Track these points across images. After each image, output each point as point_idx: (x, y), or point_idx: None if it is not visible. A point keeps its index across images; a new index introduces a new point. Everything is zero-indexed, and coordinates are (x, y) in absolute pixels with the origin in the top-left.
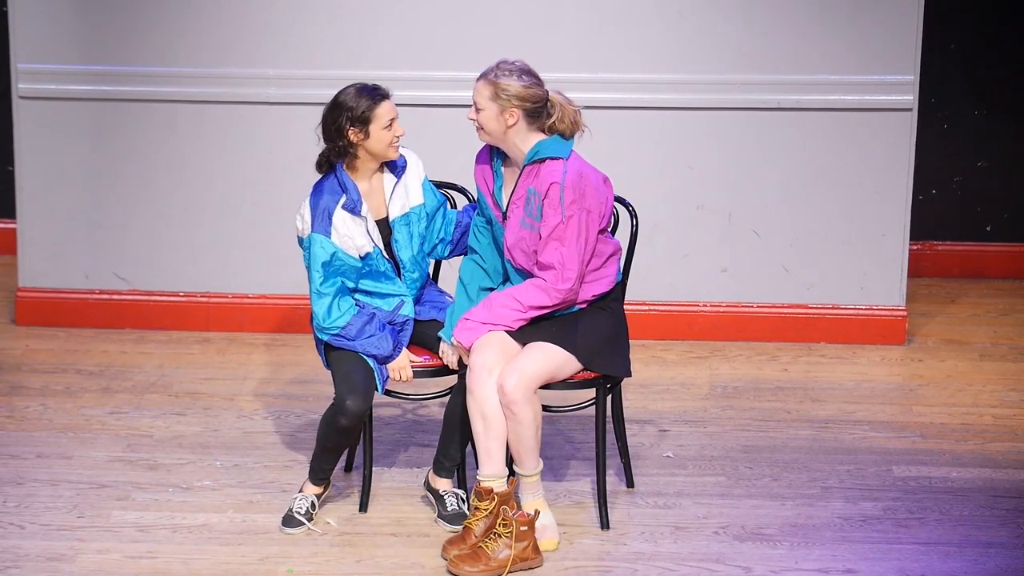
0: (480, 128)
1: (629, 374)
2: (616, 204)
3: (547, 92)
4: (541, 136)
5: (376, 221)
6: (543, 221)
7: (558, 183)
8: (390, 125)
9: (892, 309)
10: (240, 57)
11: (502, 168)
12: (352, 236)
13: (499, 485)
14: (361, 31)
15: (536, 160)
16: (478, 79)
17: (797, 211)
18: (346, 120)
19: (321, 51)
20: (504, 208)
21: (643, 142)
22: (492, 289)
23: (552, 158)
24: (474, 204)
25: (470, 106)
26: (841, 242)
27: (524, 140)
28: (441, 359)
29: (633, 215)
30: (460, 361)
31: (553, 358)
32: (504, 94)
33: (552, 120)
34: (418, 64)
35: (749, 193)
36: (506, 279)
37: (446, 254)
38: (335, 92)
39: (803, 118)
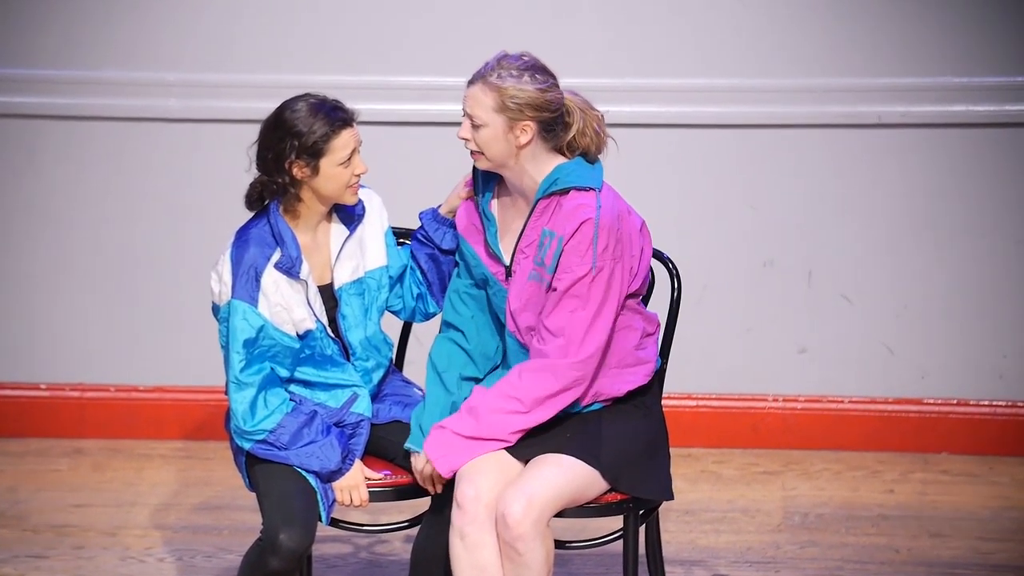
0: (479, 152)
1: (670, 496)
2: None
3: (563, 95)
4: (558, 158)
5: (319, 287)
6: (560, 271)
7: (591, 221)
8: (348, 160)
9: None
10: (130, 56)
11: (492, 206)
12: (288, 307)
13: None
14: (305, 20)
15: (555, 191)
16: (471, 83)
17: (905, 268)
18: (290, 149)
19: (245, 48)
20: (508, 261)
21: (687, 172)
22: (478, 380)
23: (579, 188)
24: (415, 243)
25: (450, 124)
26: (969, 312)
27: (537, 165)
28: (414, 477)
29: (674, 275)
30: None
31: (572, 476)
32: (514, 103)
33: (572, 134)
34: (382, 67)
35: (837, 243)
36: (501, 364)
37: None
38: (268, 104)
39: (913, 137)
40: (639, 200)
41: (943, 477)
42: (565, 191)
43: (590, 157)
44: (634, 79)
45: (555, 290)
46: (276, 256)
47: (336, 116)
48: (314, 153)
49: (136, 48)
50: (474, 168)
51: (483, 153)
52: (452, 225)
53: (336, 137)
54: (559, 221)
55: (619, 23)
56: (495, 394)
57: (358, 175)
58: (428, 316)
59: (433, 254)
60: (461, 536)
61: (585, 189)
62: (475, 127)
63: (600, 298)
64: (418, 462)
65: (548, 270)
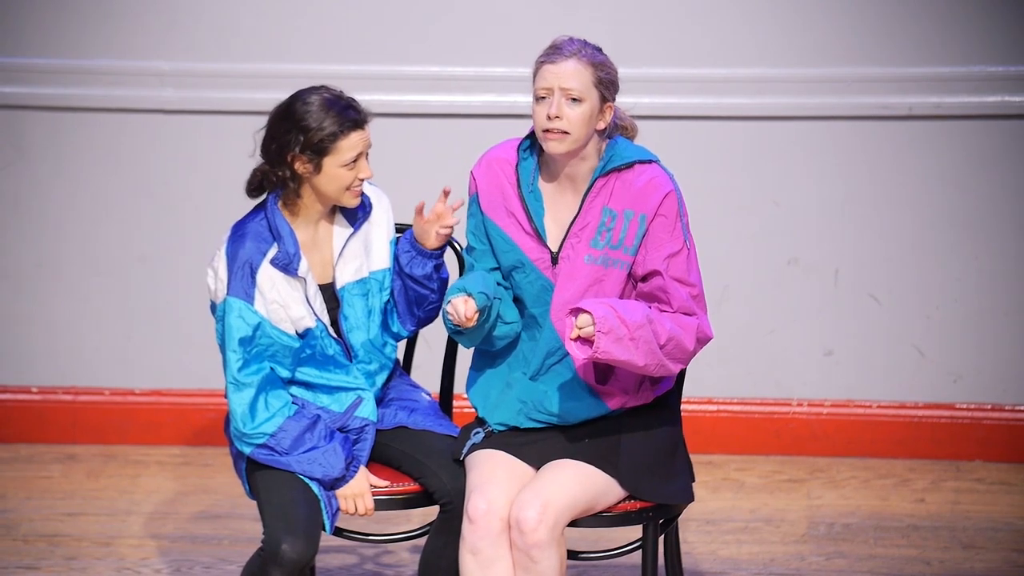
0: (562, 132)
1: (691, 497)
2: None
3: None
4: (605, 140)
5: (320, 286)
6: (649, 248)
7: (673, 193)
8: (354, 163)
9: None
10: (123, 43)
11: (539, 191)
12: (285, 304)
13: None
14: (306, 6)
15: (614, 168)
16: (557, 61)
17: (937, 267)
18: (295, 143)
19: (245, 36)
20: (556, 248)
21: (707, 166)
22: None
23: (642, 161)
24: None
25: (455, 115)
26: (1004, 312)
27: (595, 147)
28: (457, 317)
29: None
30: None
31: (589, 483)
32: (608, 78)
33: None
34: (385, 56)
35: (864, 241)
36: (510, 351)
37: (407, 329)
38: (268, 95)
39: (946, 129)
40: None
41: (977, 486)
42: (627, 166)
43: (629, 137)
44: (650, 68)
45: (663, 275)
46: (273, 251)
47: (347, 116)
48: (319, 151)
49: (130, 35)
50: (472, 175)
51: (568, 133)
52: (424, 254)
53: (344, 138)
54: (629, 198)
55: (631, 10)
56: (640, 311)
57: (361, 179)
58: (395, 336)
59: (402, 276)
60: (473, 552)
61: (647, 162)
62: (573, 101)
63: (698, 271)
64: (457, 303)
65: (628, 251)
